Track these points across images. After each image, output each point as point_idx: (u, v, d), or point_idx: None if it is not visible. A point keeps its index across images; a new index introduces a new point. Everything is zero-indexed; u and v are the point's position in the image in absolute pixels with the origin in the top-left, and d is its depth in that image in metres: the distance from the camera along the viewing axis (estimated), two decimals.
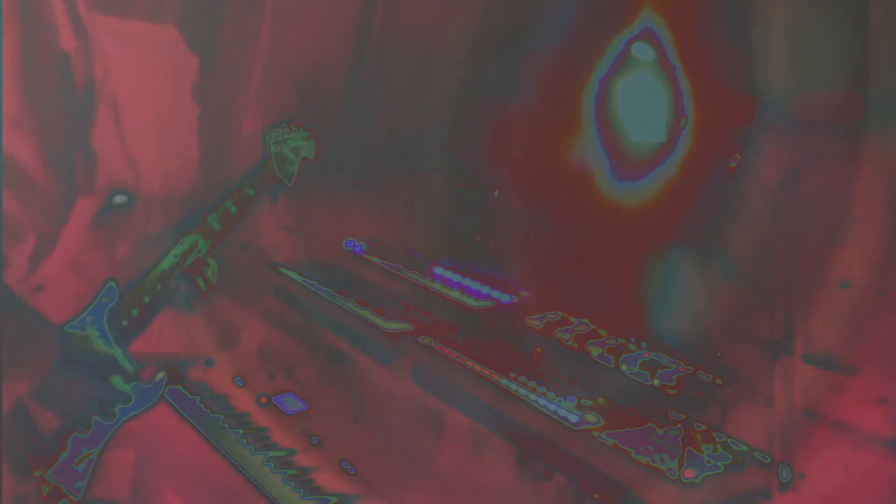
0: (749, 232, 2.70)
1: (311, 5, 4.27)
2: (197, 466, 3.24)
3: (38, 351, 2.89)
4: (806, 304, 2.51)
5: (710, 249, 2.80)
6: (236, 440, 3.25)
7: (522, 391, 2.89)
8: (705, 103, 2.84)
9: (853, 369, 2.48)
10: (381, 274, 3.73)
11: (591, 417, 2.75)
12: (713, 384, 2.73)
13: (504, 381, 2.95)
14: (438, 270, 3.60)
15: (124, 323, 2.96)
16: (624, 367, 2.86)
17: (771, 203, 2.62)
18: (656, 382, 2.77)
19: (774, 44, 2.61)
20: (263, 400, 3.52)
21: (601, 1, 3.16)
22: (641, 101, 3.03)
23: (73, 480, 2.86)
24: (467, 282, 3.49)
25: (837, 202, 2.48)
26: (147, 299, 3.00)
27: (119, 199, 3.43)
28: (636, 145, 3.08)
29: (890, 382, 2.42)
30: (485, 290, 3.42)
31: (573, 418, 2.74)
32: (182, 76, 4.02)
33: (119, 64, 3.66)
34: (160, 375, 2.97)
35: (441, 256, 3.68)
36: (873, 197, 2.46)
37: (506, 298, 3.37)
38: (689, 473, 2.51)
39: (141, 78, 3.81)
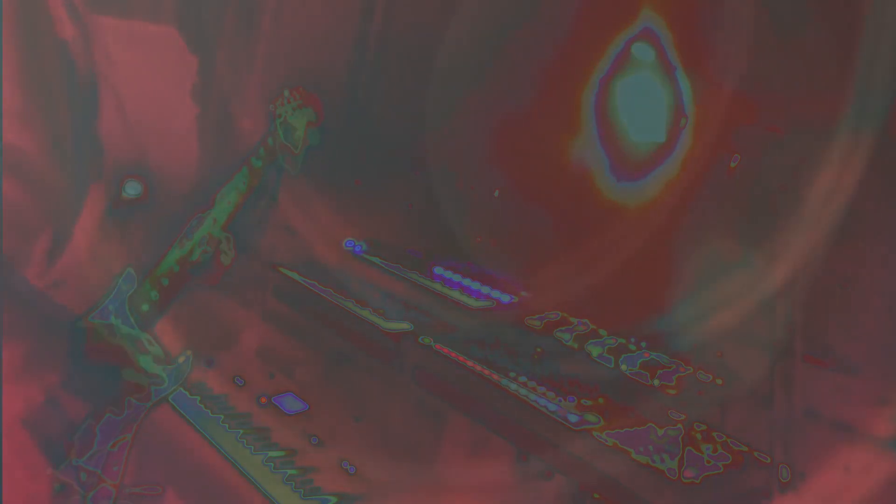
0: (749, 232, 2.70)
1: (311, 5, 4.27)
2: (197, 466, 3.24)
3: (60, 344, 2.91)
4: (806, 304, 2.51)
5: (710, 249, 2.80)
6: (236, 440, 3.25)
7: (522, 391, 2.89)
8: (705, 103, 2.85)
9: (853, 369, 2.48)
10: (381, 274, 3.72)
11: (591, 417, 2.75)
12: (713, 384, 2.73)
13: (504, 381, 2.95)
14: (438, 270, 3.60)
15: (145, 307, 2.98)
16: (624, 367, 2.86)
17: (771, 203, 2.62)
18: (656, 382, 2.77)
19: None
20: (263, 400, 3.52)
21: (601, 1, 3.16)
22: (641, 101, 3.03)
23: (111, 464, 2.89)
24: (467, 282, 3.49)
25: (838, 202, 2.48)
26: (166, 282, 3.01)
27: (131, 187, 3.43)
28: (636, 145, 3.08)
29: (890, 382, 2.42)
30: (485, 290, 3.42)
31: (573, 418, 2.74)
32: (182, 76, 4.02)
33: (120, 55, 3.66)
34: (185, 356, 3.00)
35: (441, 256, 3.68)
36: (873, 196, 2.46)
37: (506, 298, 3.37)
38: (689, 473, 2.51)
39: (141, 75, 3.81)
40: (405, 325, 3.36)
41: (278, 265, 3.94)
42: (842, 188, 2.47)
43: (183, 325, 3.56)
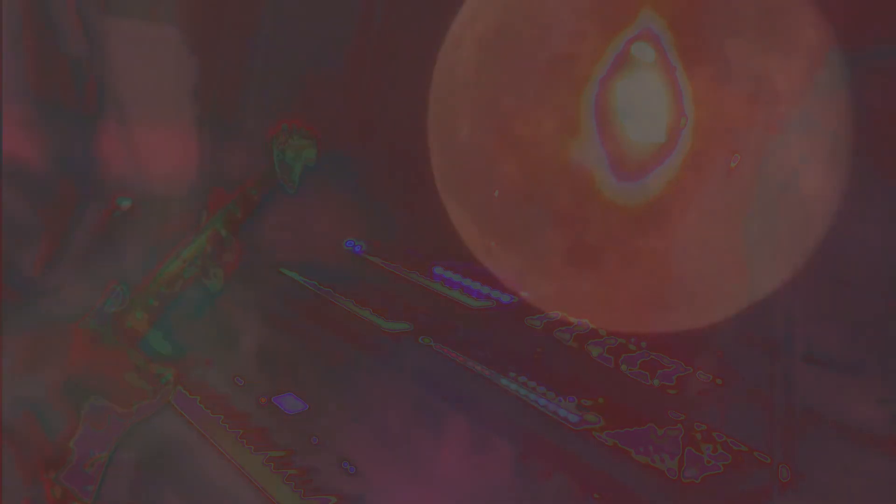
0: (749, 231, 2.70)
1: (311, 4, 4.28)
2: (197, 467, 3.24)
3: (59, 349, 2.90)
4: (806, 304, 2.52)
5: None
6: (236, 440, 3.25)
7: (522, 391, 2.89)
8: (705, 103, 2.84)
9: (853, 369, 2.49)
10: (381, 274, 3.73)
11: (591, 417, 2.75)
12: (713, 384, 2.73)
13: (504, 381, 2.95)
14: (438, 270, 3.60)
15: (129, 325, 2.97)
16: (624, 367, 2.86)
17: (771, 203, 2.62)
18: (656, 382, 2.78)
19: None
20: (263, 400, 3.53)
21: (601, 1, 3.16)
22: (641, 101, 3.02)
23: (83, 484, 2.86)
24: (467, 282, 3.49)
25: (837, 201, 2.48)
26: (153, 302, 3.00)
27: (124, 203, 3.45)
28: (636, 145, 3.07)
29: (890, 382, 2.42)
30: (485, 290, 3.42)
31: (573, 418, 2.74)
32: (182, 76, 4.03)
33: (125, 65, 3.67)
34: (167, 378, 2.97)
35: (441, 256, 3.68)
36: (871, 194, 2.46)
37: (506, 298, 3.37)
38: (689, 473, 2.51)
39: (144, 79, 3.82)
40: (405, 325, 3.36)
41: (278, 265, 3.94)
42: (841, 187, 2.47)
43: (183, 325, 3.56)
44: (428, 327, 3.33)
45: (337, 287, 3.72)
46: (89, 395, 2.85)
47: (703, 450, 2.59)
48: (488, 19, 3.56)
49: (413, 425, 3.15)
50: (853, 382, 2.48)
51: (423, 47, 3.92)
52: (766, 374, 2.56)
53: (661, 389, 2.76)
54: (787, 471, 2.46)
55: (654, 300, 2.93)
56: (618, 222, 3.14)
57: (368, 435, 3.26)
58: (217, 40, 4.24)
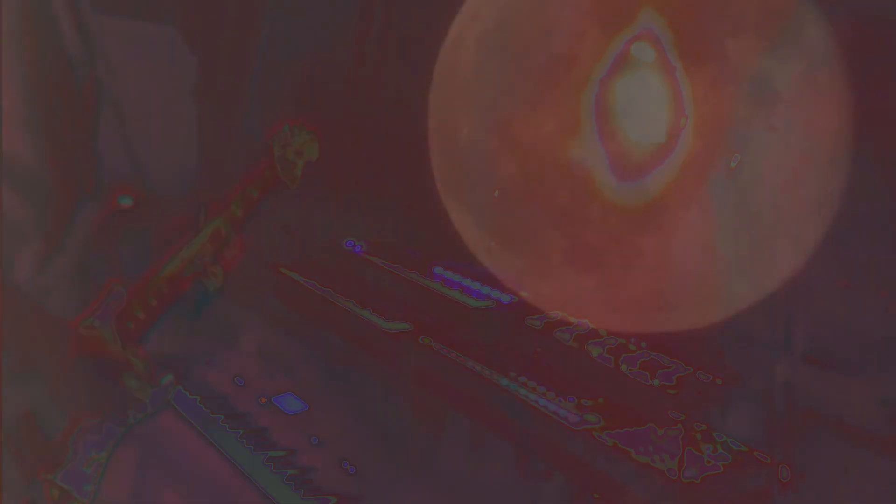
0: (749, 231, 2.70)
1: (311, 4, 4.27)
2: (197, 466, 3.24)
3: (56, 351, 2.91)
4: (806, 304, 2.52)
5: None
6: (236, 440, 3.25)
7: (522, 391, 2.89)
8: (705, 103, 2.84)
9: (853, 369, 2.48)
10: (381, 274, 3.72)
11: (591, 417, 2.75)
12: (713, 384, 2.73)
13: (504, 381, 2.95)
14: (438, 270, 3.60)
15: (129, 325, 2.97)
16: (624, 367, 2.86)
17: (771, 203, 2.62)
18: (656, 382, 2.78)
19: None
20: (263, 400, 3.53)
21: (601, 1, 3.16)
22: (641, 101, 3.03)
23: (82, 483, 2.86)
24: (467, 282, 3.49)
25: (837, 201, 2.48)
26: (152, 301, 3.00)
27: (123, 201, 3.45)
28: (636, 145, 3.07)
29: (890, 382, 2.42)
30: (485, 290, 3.42)
31: (573, 418, 2.74)
32: (182, 76, 4.03)
33: (122, 65, 3.67)
34: (167, 379, 2.97)
35: (441, 256, 3.68)
36: (871, 194, 2.46)
37: (506, 298, 3.37)
38: (689, 473, 2.51)
39: (143, 78, 3.81)
40: (405, 325, 3.36)
41: (278, 265, 3.94)
42: (841, 187, 2.47)
43: (183, 325, 3.56)
44: (428, 327, 3.33)
45: (337, 287, 3.72)
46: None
47: (703, 450, 2.59)
48: (488, 19, 3.56)
49: (413, 425, 3.15)
50: (853, 382, 2.48)
51: (423, 47, 3.93)
52: (766, 374, 2.56)
53: (661, 389, 2.76)
54: (787, 471, 2.46)
55: (655, 300, 2.93)
56: (618, 222, 3.14)
57: (368, 435, 3.26)
58: (217, 40, 4.24)
